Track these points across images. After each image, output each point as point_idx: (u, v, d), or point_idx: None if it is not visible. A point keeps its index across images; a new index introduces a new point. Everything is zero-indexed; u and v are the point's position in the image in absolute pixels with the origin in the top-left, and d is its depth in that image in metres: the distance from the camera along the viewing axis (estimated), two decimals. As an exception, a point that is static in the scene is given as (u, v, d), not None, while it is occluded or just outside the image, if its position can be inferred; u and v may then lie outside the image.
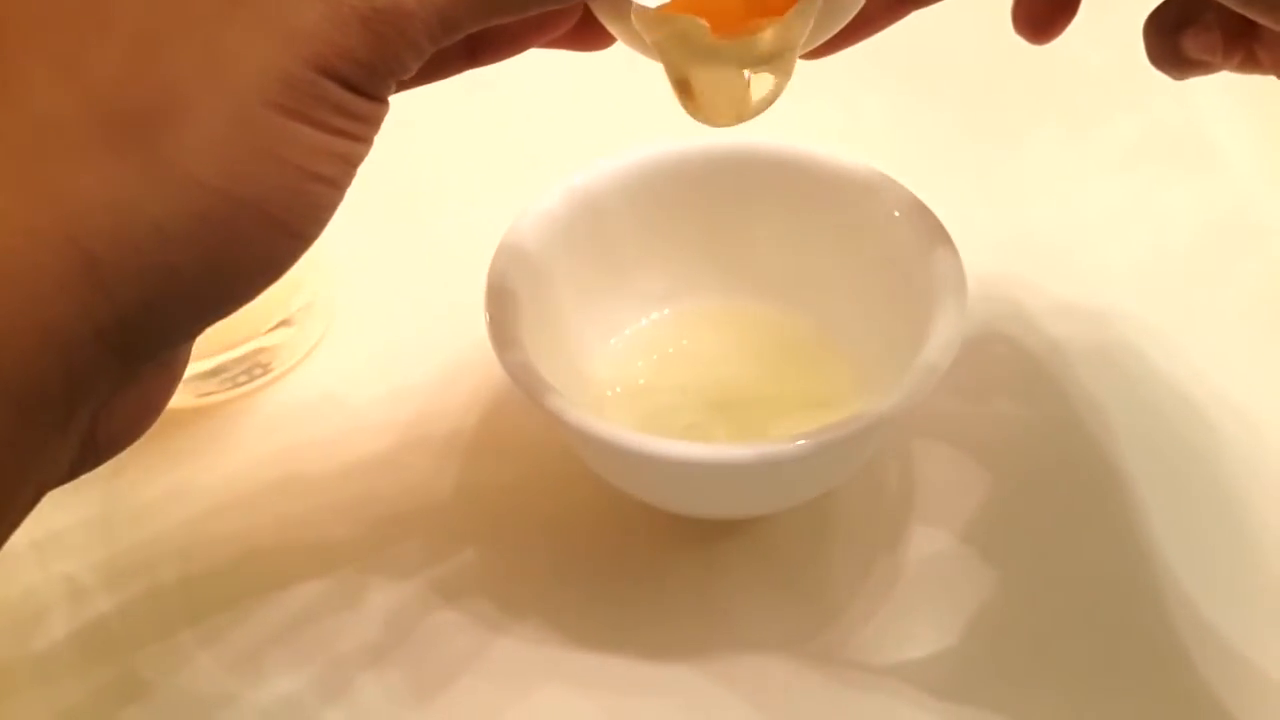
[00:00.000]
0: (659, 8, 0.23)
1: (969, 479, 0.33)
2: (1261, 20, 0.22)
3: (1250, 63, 0.26)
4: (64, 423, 0.20)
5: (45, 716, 0.30)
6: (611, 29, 0.25)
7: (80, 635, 0.31)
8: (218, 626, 0.31)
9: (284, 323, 0.37)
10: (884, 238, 0.32)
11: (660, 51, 0.24)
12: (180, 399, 0.36)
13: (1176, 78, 0.26)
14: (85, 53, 0.19)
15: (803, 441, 0.27)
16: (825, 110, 0.45)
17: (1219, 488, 0.33)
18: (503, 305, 0.30)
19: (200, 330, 0.21)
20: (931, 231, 0.31)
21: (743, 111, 0.25)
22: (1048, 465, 0.34)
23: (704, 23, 0.23)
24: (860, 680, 0.30)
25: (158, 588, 0.32)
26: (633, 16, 0.23)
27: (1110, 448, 0.34)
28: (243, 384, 0.36)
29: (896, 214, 0.32)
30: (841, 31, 0.25)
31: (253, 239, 0.20)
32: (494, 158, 0.44)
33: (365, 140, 0.20)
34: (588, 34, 0.25)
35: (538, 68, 0.49)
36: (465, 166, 0.44)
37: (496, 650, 0.30)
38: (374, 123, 0.20)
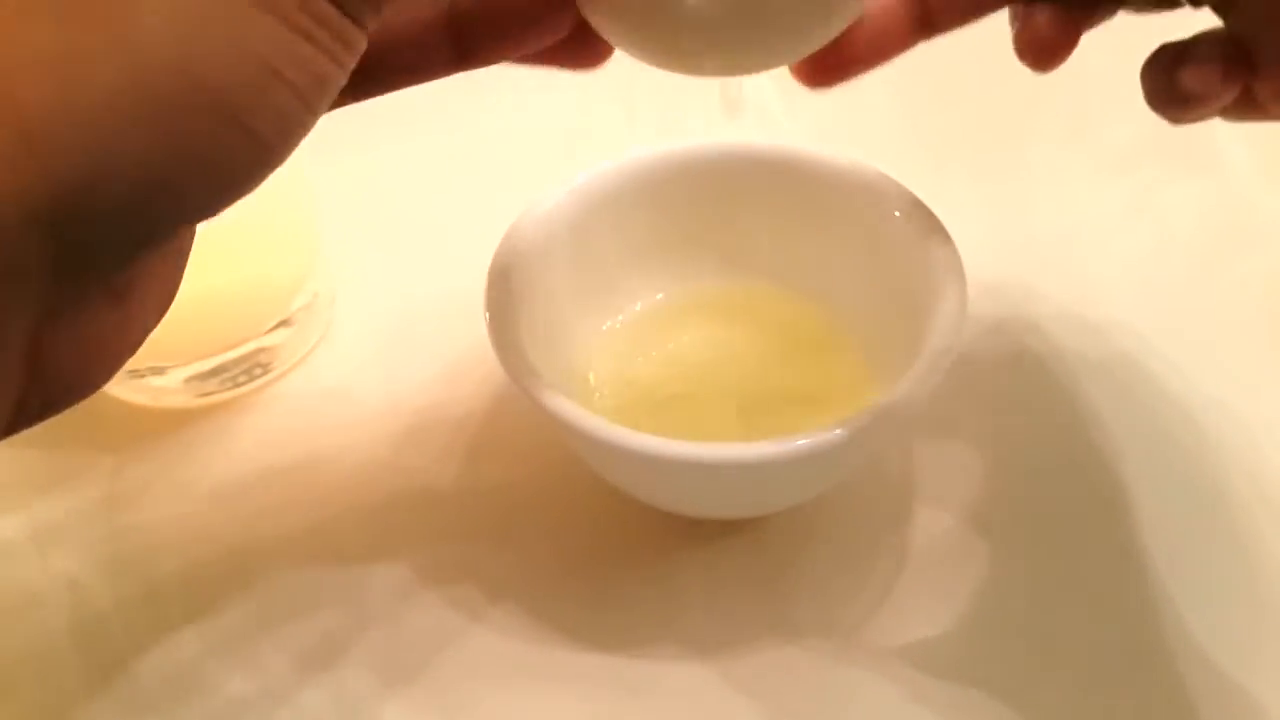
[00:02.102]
0: None
1: (970, 480, 0.33)
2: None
3: (1247, 102, 0.26)
4: None
5: (45, 715, 0.30)
6: (603, 31, 0.25)
7: (80, 634, 0.31)
8: (218, 625, 0.31)
9: (284, 323, 0.37)
10: (884, 237, 0.32)
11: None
12: (180, 399, 0.36)
13: (1175, 120, 0.27)
14: None
15: (801, 443, 0.26)
16: (825, 110, 0.45)
17: (1217, 490, 0.33)
18: (503, 305, 0.30)
19: (146, 242, 0.19)
20: (932, 232, 0.31)
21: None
22: (1048, 469, 0.34)
23: None
24: (861, 679, 0.30)
25: (158, 586, 0.32)
26: None
27: (1109, 452, 0.34)
28: (243, 384, 0.36)
29: (897, 214, 0.32)
30: (853, 57, 0.25)
31: (208, 132, 0.18)
32: (494, 158, 0.44)
33: (339, 63, 0.19)
34: (581, 48, 0.25)
35: (541, 67, 0.49)
36: (466, 166, 0.44)
37: (496, 650, 0.30)
38: (349, 46, 0.19)
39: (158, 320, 0.22)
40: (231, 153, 0.19)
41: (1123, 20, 0.28)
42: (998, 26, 0.28)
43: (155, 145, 0.18)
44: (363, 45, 0.20)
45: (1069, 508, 0.33)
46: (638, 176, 0.34)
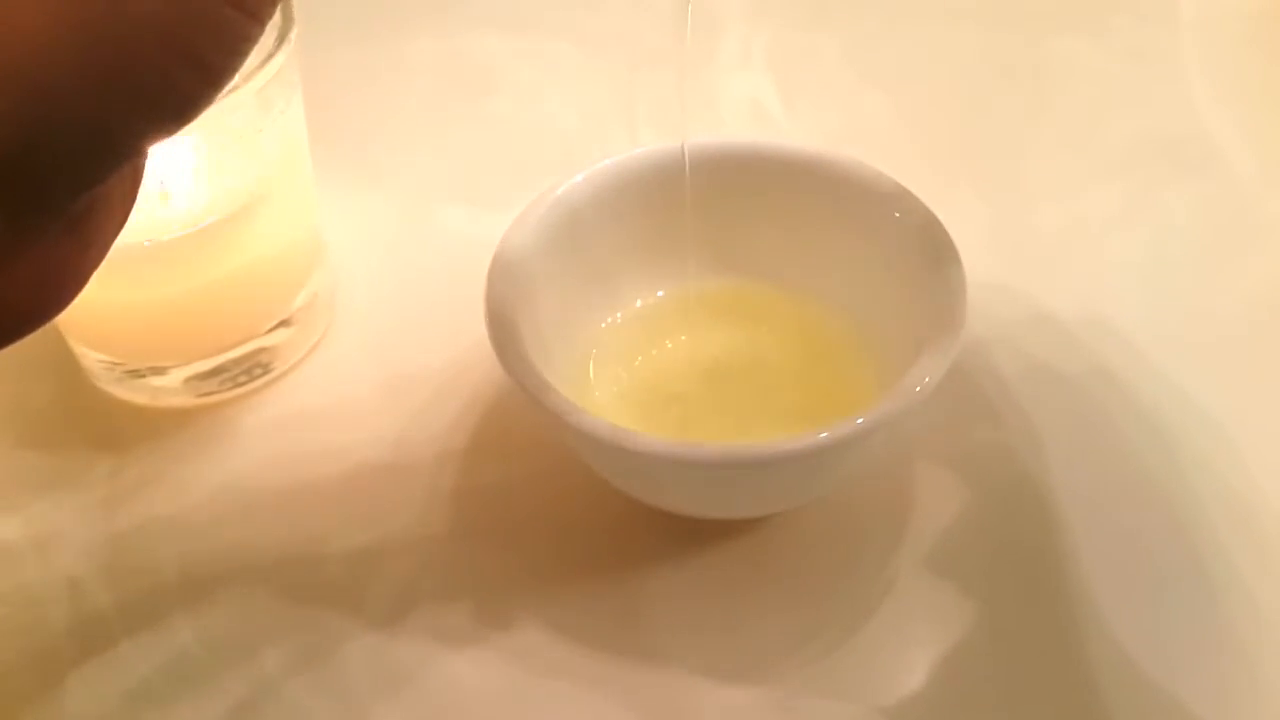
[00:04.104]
0: None
1: (966, 491, 0.33)
2: None
3: None
4: None
5: (46, 716, 0.30)
6: None
7: (80, 634, 0.31)
8: (217, 624, 0.31)
9: (284, 323, 0.37)
10: (884, 237, 0.32)
11: None
12: (180, 399, 0.36)
13: None
14: None
15: (799, 443, 0.26)
16: (825, 110, 0.45)
17: (1209, 511, 0.33)
18: (503, 305, 0.30)
19: (97, 175, 0.18)
20: (932, 232, 0.31)
21: None
22: (1045, 482, 0.33)
23: None
24: (861, 679, 0.30)
25: (158, 586, 0.32)
26: None
27: (1109, 465, 0.34)
28: (243, 384, 0.37)
29: (897, 214, 0.32)
30: None
31: (148, 61, 0.17)
32: (494, 157, 0.44)
33: None
34: None
35: (540, 68, 0.49)
36: (466, 166, 0.44)
37: (495, 650, 0.30)
38: None
39: (114, 239, 0.21)
40: (178, 81, 0.17)
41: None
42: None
43: (94, 88, 0.16)
44: None
45: (1070, 509, 0.33)
46: (637, 176, 0.34)
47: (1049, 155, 0.44)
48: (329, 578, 0.32)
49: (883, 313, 0.33)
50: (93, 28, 0.16)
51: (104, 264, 0.20)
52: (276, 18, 0.32)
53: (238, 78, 0.24)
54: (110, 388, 0.36)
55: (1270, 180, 0.42)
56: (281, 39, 0.32)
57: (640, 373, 0.34)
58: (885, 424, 0.27)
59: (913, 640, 0.30)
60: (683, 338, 0.35)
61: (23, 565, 0.33)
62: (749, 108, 0.45)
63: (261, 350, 0.36)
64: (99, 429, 0.36)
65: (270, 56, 0.31)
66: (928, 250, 0.31)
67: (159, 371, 0.35)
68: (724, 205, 0.34)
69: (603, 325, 0.35)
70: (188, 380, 0.36)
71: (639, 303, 0.36)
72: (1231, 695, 0.29)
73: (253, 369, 0.37)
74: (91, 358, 0.36)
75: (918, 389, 0.28)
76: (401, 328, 0.39)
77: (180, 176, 0.33)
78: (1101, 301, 0.38)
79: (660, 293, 0.36)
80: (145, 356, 0.35)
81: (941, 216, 0.32)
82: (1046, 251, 0.40)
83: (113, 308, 0.34)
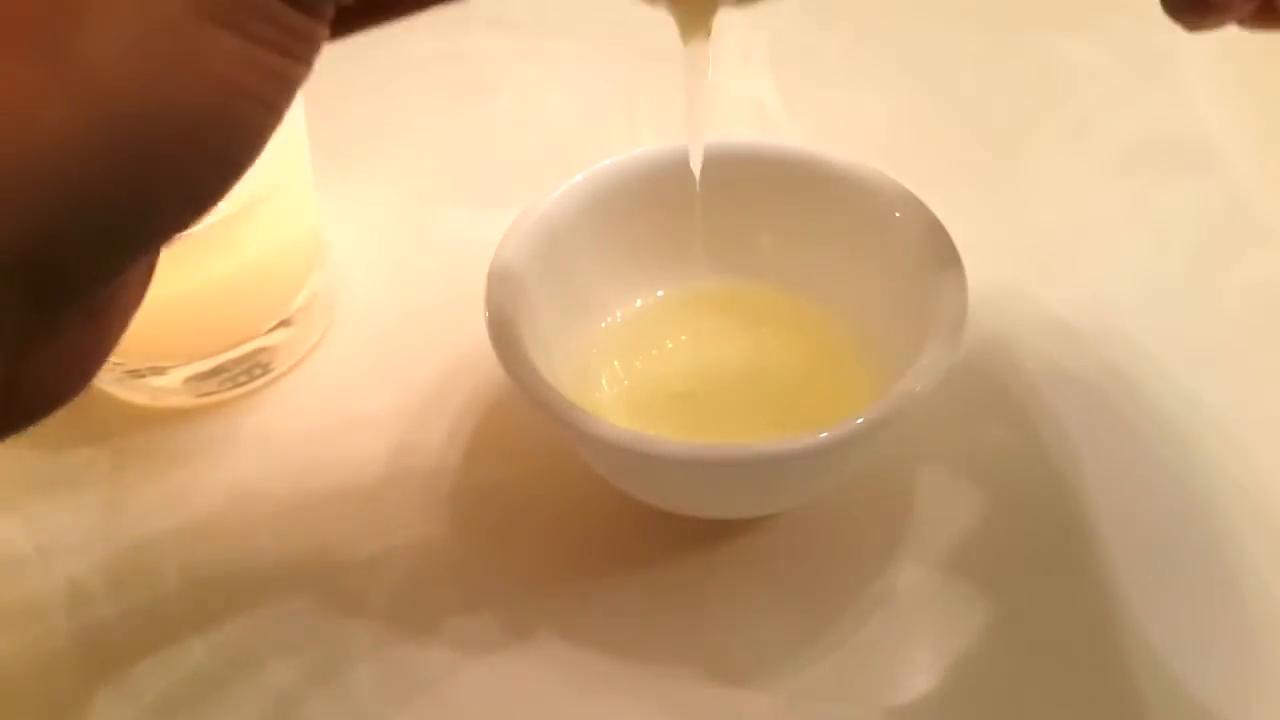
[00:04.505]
0: None
1: (967, 492, 0.33)
2: None
3: (1266, 12, 0.24)
4: None
5: (45, 715, 0.30)
6: None
7: (80, 633, 0.31)
8: (217, 624, 0.31)
9: (284, 323, 0.37)
10: (884, 237, 0.32)
11: None
12: (180, 399, 0.36)
13: (1191, 28, 0.25)
14: None
15: (798, 443, 0.26)
16: (825, 110, 0.45)
17: (1215, 509, 0.33)
18: (503, 305, 0.30)
19: (119, 268, 0.19)
20: (931, 232, 0.31)
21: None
22: (1046, 484, 0.33)
23: None
24: (862, 679, 0.30)
25: (159, 587, 0.32)
26: None
27: (1109, 468, 0.34)
28: (243, 384, 0.36)
29: (897, 214, 0.32)
30: None
31: (173, 158, 0.17)
32: (494, 157, 0.44)
33: (302, 60, 0.19)
34: None
35: (540, 68, 0.49)
36: (466, 166, 0.44)
37: (495, 650, 0.30)
38: (310, 40, 0.19)
39: (131, 318, 0.22)
40: (199, 171, 0.18)
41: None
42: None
43: (119, 180, 0.17)
44: (324, 34, 0.19)
45: (1065, 529, 0.33)
46: (637, 176, 0.34)
47: (1049, 155, 0.44)
48: (329, 577, 0.32)
49: (883, 313, 0.33)
50: (118, 125, 0.17)
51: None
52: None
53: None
54: (110, 388, 0.36)
55: (1270, 180, 0.42)
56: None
57: (640, 373, 0.34)
58: (885, 424, 0.27)
59: (915, 640, 0.30)
60: (683, 338, 0.35)
61: (22, 565, 0.33)
62: (749, 108, 0.45)
63: (261, 350, 0.36)
64: (99, 429, 0.36)
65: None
66: (928, 250, 0.31)
67: (159, 371, 0.35)
68: (724, 205, 0.34)
69: (603, 325, 0.35)
70: (188, 380, 0.36)
71: (639, 303, 0.36)
72: (1240, 691, 0.29)
73: (253, 369, 0.36)
74: (91, 358, 0.36)
75: (918, 389, 0.28)
76: (401, 328, 0.39)
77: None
78: (1102, 301, 0.38)
79: (660, 292, 0.36)
80: (145, 356, 0.35)
81: (942, 216, 0.32)
82: (1047, 251, 0.40)
83: (113, 308, 0.34)
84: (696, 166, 0.30)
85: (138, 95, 0.17)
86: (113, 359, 0.35)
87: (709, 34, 0.26)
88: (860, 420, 0.27)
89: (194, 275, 0.34)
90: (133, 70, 0.17)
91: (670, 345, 0.35)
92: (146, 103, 0.17)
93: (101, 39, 0.17)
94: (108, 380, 0.36)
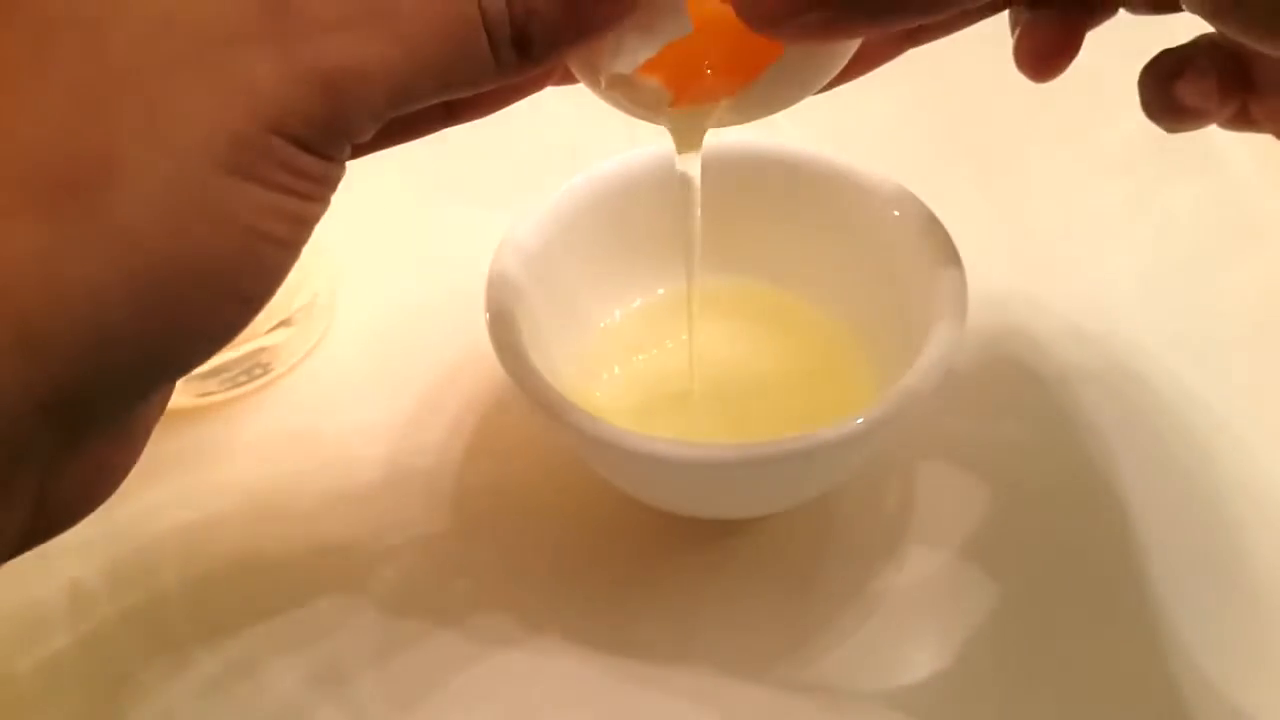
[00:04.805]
0: (631, 72, 0.23)
1: (968, 492, 0.33)
2: (1241, 38, 0.21)
3: (1243, 118, 0.26)
4: (2, 496, 0.19)
5: (45, 715, 0.30)
6: (585, 83, 0.26)
7: (80, 634, 0.31)
8: (218, 626, 0.31)
9: (284, 323, 0.37)
10: (884, 237, 0.32)
11: (628, 108, 0.25)
12: (180, 399, 0.36)
13: (1170, 129, 0.27)
14: (19, 110, 0.18)
15: (798, 444, 0.26)
16: (825, 111, 0.45)
17: (1216, 508, 0.33)
18: (503, 305, 0.30)
19: (146, 397, 0.20)
20: (932, 232, 0.31)
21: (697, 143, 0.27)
22: (1048, 483, 0.33)
23: (666, 94, 0.24)
24: (863, 679, 0.30)
25: (159, 588, 0.32)
26: (602, 80, 0.24)
27: (1110, 466, 0.34)
28: (243, 384, 0.36)
29: (897, 214, 0.32)
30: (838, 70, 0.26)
31: (198, 303, 0.19)
32: (495, 158, 0.44)
33: (319, 200, 0.20)
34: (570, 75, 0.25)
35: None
36: (466, 166, 0.44)
37: (495, 650, 0.30)
38: (328, 183, 0.20)
39: (151, 433, 0.23)
40: (222, 312, 0.19)
41: (1122, 21, 0.28)
42: (997, 28, 0.28)
43: (149, 327, 0.18)
44: (342, 174, 0.20)
45: (1068, 527, 0.33)
46: (637, 177, 0.34)
47: (1049, 155, 0.44)
48: (329, 577, 0.32)
49: (883, 312, 0.33)
50: (147, 275, 0.18)
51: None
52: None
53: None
54: (110, 388, 0.36)
55: (1270, 180, 0.42)
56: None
57: (640, 372, 0.34)
58: (886, 423, 0.27)
59: (915, 639, 0.30)
60: (683, 337, 0.35)
61: (22, 565, 0.33)
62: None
63: (261, 350, 0.36)
64: (99, 429, 0.36)
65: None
66: (928, 250, 0.31)
67: (159, 372, 0.35)
68: (724, 205, 0.34)
69: (602, 325, 0.35)
70: (188, 380, 0.36)
71: (639, 302, 0.36)
72: (1246, 683, 0.29)
73: (253, 369, 0.36)
74: (91, 358, 0.36)
75: (918, 388, 0.28)
76: (401, 328, 0.39)
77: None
78: (1101, 301, 0.38)
79: (660, 291, 0.36)
80: (145, 357, 0.35)
81: (942, 216, 0.32)
82: (1047, 251, 0.40)
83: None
84: (695, 267, 0.31)
85: (165, 247, 0.18)
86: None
87: (700, 148, 0.28)
88: (861, 420, 0.27)
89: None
90: (161, 225, 0.18)
91: (670, 344, 0.35)
92: (173, 254, 0.18)
93: (133, 196, 0.18)
94: (108, 380, 0.36)
